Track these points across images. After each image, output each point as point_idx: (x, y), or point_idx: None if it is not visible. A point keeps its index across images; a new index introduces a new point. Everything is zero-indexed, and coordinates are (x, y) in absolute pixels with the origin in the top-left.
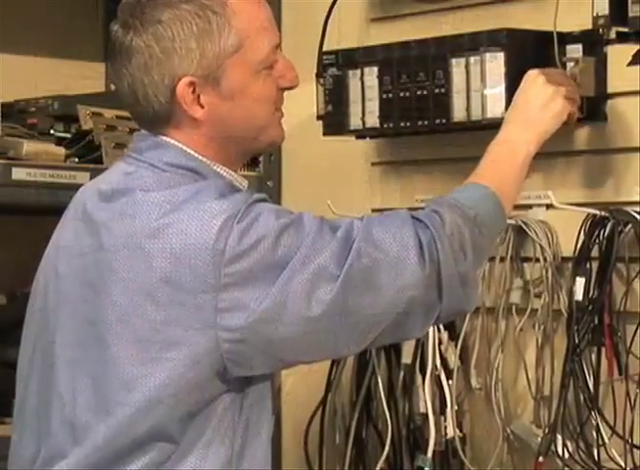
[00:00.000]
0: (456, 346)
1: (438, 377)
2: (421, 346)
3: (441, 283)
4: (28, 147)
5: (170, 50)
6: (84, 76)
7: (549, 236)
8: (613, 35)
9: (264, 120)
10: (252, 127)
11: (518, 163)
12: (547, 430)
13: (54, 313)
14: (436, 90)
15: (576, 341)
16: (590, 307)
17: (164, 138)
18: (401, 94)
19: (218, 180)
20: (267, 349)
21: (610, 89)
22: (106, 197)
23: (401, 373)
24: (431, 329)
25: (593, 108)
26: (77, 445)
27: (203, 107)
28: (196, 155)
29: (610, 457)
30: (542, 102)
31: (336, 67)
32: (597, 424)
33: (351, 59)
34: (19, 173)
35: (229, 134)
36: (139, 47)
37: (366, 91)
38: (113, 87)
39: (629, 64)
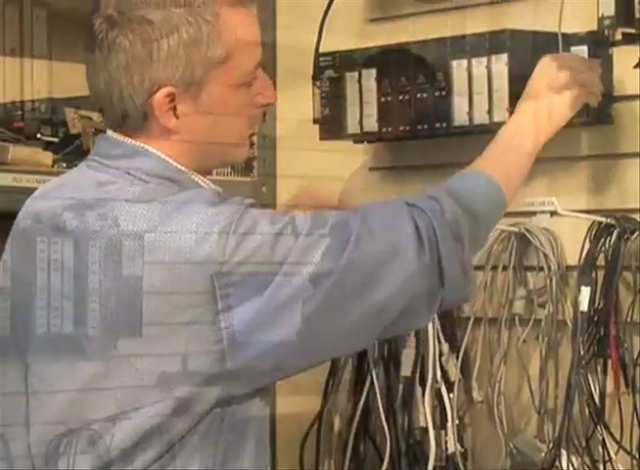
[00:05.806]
0: (457, 358)
1: (439, 390)
2: (421, 358)
3: (442, 270)
4: (15, 151)
5: (156, 54)
6: (72, 78)
7: (553, 244)
8: (619, 37)
9: (236, 138)
10: (224, 142)
11: (525, 151)
12: (551, 445)
13: (33, 333)
14: (437, 93)
15: (582, 352)
16: (596, 318)
17: (140, 144)
18: (400, 97)
19: (203, 190)
20: (268, 356)
21: (616, 92)
22: (79, 208)
23: (400, 386)
24: (431, 341)
25: (599, 111)
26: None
27: (177, 117)
28: (174, 164)
29: None
30: (556, 90)
31: (333, 69)
32: (603, 439)
33: (349, 61)
34: (4, 179)
35: (199, 146)
36: (123, 45)
37: (364, 94)
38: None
39: (636, 66)
